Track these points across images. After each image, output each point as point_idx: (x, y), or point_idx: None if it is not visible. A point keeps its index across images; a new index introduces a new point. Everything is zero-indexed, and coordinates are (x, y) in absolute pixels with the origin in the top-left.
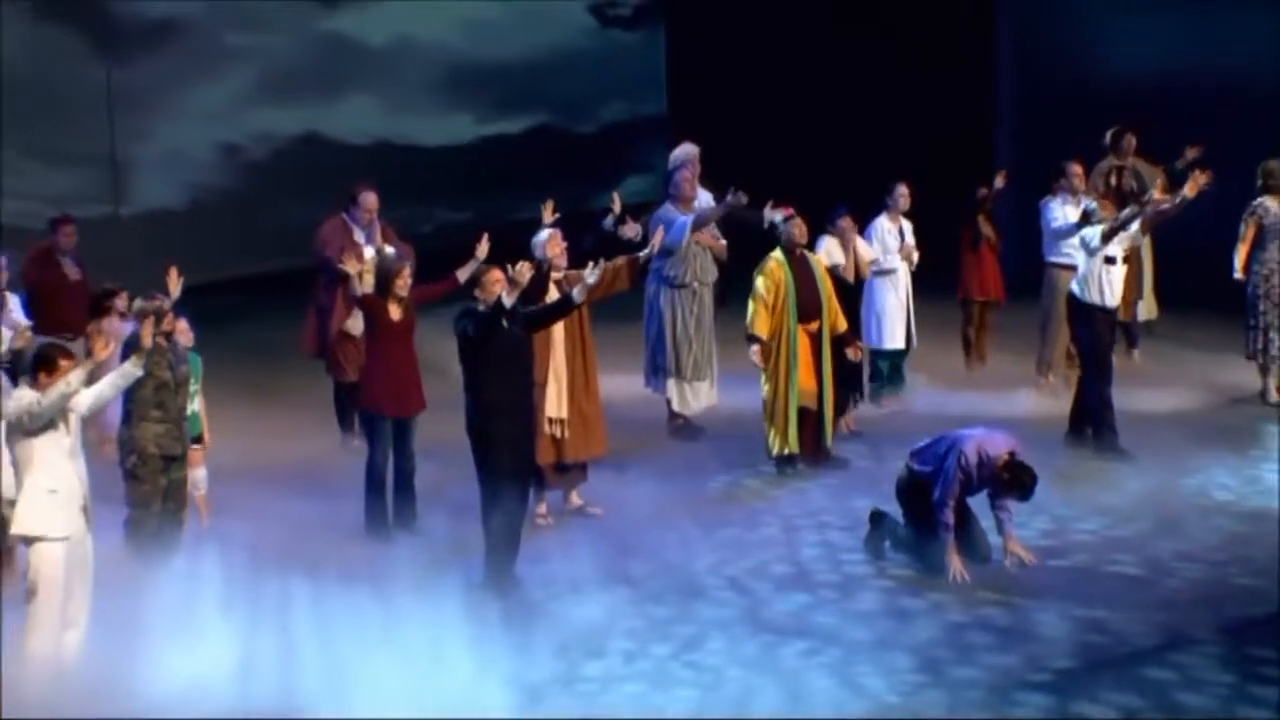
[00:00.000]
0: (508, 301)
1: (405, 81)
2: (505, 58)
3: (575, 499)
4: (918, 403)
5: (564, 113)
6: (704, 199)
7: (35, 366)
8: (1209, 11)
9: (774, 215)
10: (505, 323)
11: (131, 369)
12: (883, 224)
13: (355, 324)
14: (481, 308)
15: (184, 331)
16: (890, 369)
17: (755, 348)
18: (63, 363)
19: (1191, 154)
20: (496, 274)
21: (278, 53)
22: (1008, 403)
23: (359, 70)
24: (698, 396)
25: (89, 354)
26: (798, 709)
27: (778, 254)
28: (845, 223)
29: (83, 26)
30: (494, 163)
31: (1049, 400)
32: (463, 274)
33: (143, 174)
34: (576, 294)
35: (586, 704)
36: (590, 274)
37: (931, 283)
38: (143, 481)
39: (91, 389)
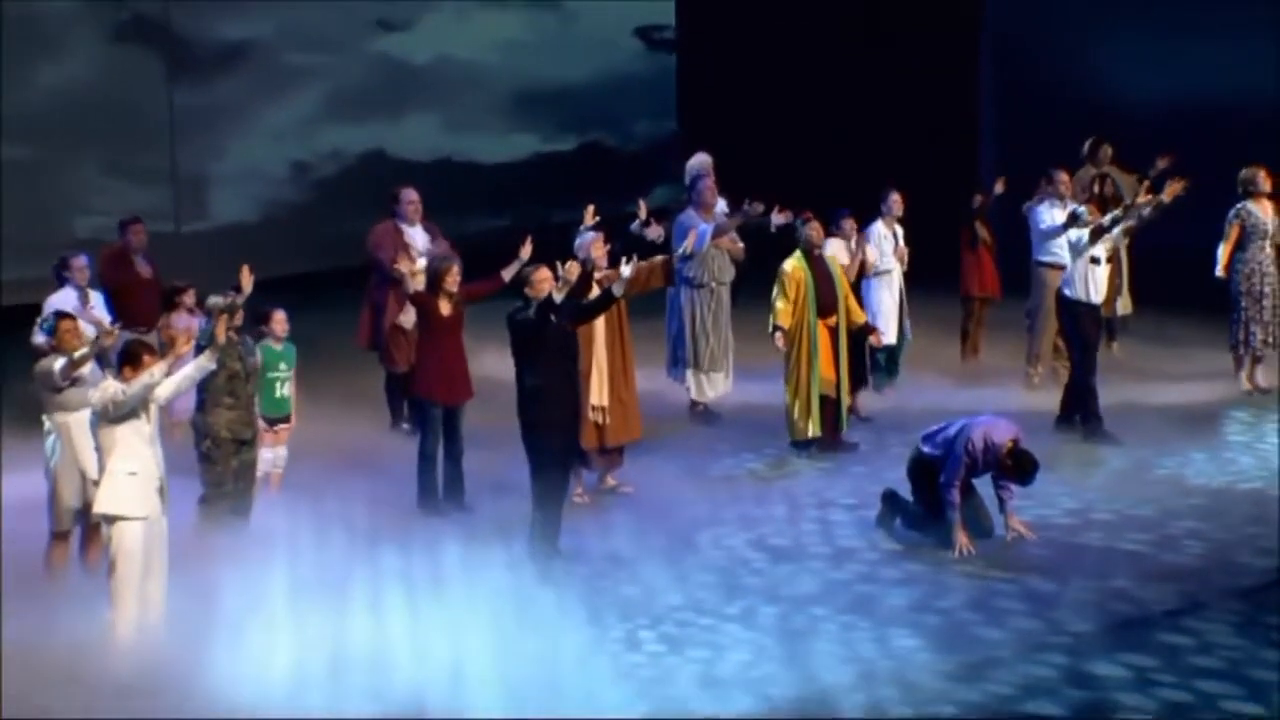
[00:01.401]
0: (557, 298)
1: (464, 102)
2: (558, 79)
3: (610, 479)
4: (917, 392)
5: (610, 129)
6: (720, 204)
7: (121, 360)
8: (1182, 29)
9: (780, 220)
10: (554, 317)
11: (206, 362)
12: (878, 228)
13: (407, 318)
14: (532, 304)
15: (280, 321)
16: (886, 360)
17: (778, 335)
18: (146, 358)
19: (1162, 163)
20: (546, 273)
21: (344, 74)
22: (1000, 392)
23: (421, 91)
24: (714, 386)
25: (160, 346)
26: (836, 666)
27: (797, 254)
28: (849, 225)
29: (159, 49)
30: (544, 176)
31: (1038, 390)
32: (507, 273)
33: (218, 190)
34: (616, 289)
35: (613, 661)
36: (627, 269)
37: (926, 281)
38: (216, 463)
39: (170, 380)
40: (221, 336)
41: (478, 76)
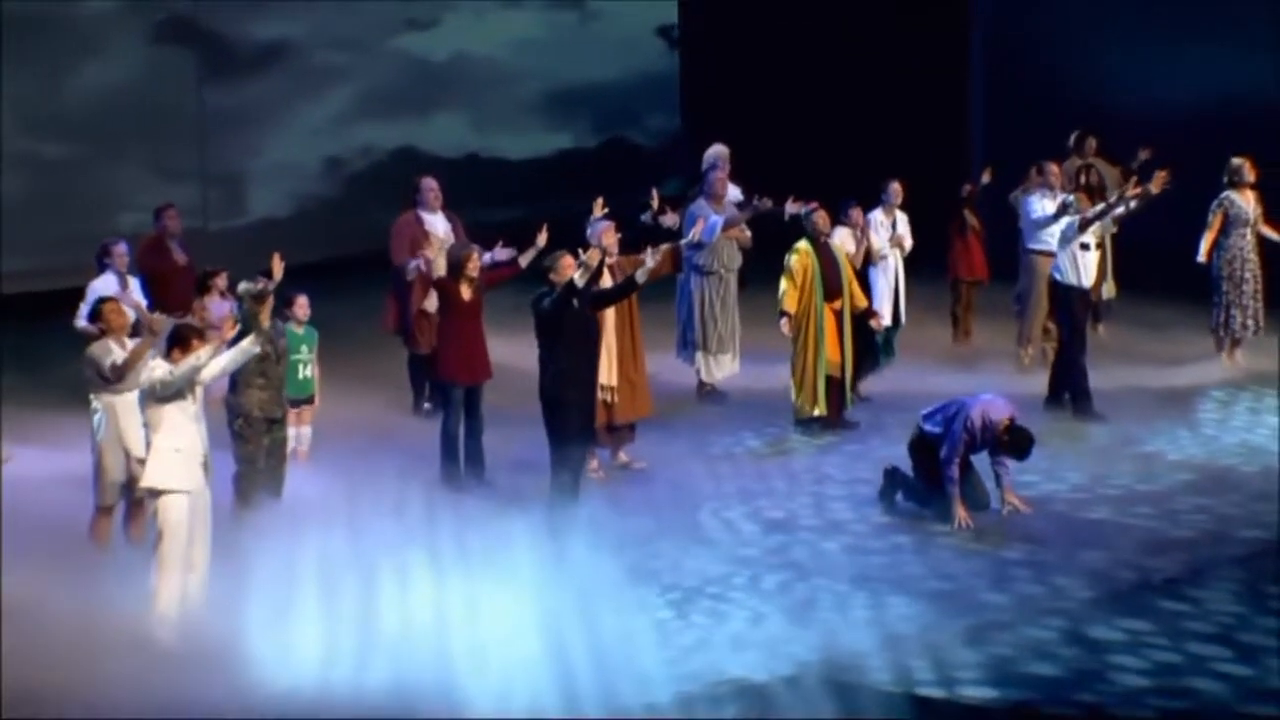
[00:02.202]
0: (579, 283)
1: (491, 100)
2: (582, 78)
3: (623, 456)
4: (911, 373)
5: (631, 125)
6: (733, 194)
7: (170, 343)
8: (1170, 25)
9: (794, 209)
10: (575, 302)
11: (250, 346)
12: (878, 217)
13: (431, 302)
14: (555, 289)
15: (302, 306)
16: (883, 343)
17: (784, 321)
18: (195, 341)
19: (1144, 154)
20: (568, 260)
21: (375, 73)
22: (991, 372)
23: (449, 89)
24: (721, 367)
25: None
26: (847, 630)
27: (804, 242)
28: (855, 214)
29: (195, 50)
30: (568, 170)
31: (1028, 371)
32: (524, 259)
33: (253, 186)
34: (639, 275)
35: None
36: (650, 258)
37: (917, 267)
38: (248, 441)
39: (216, 362)
40: (265, 321)
41: (504, 75)
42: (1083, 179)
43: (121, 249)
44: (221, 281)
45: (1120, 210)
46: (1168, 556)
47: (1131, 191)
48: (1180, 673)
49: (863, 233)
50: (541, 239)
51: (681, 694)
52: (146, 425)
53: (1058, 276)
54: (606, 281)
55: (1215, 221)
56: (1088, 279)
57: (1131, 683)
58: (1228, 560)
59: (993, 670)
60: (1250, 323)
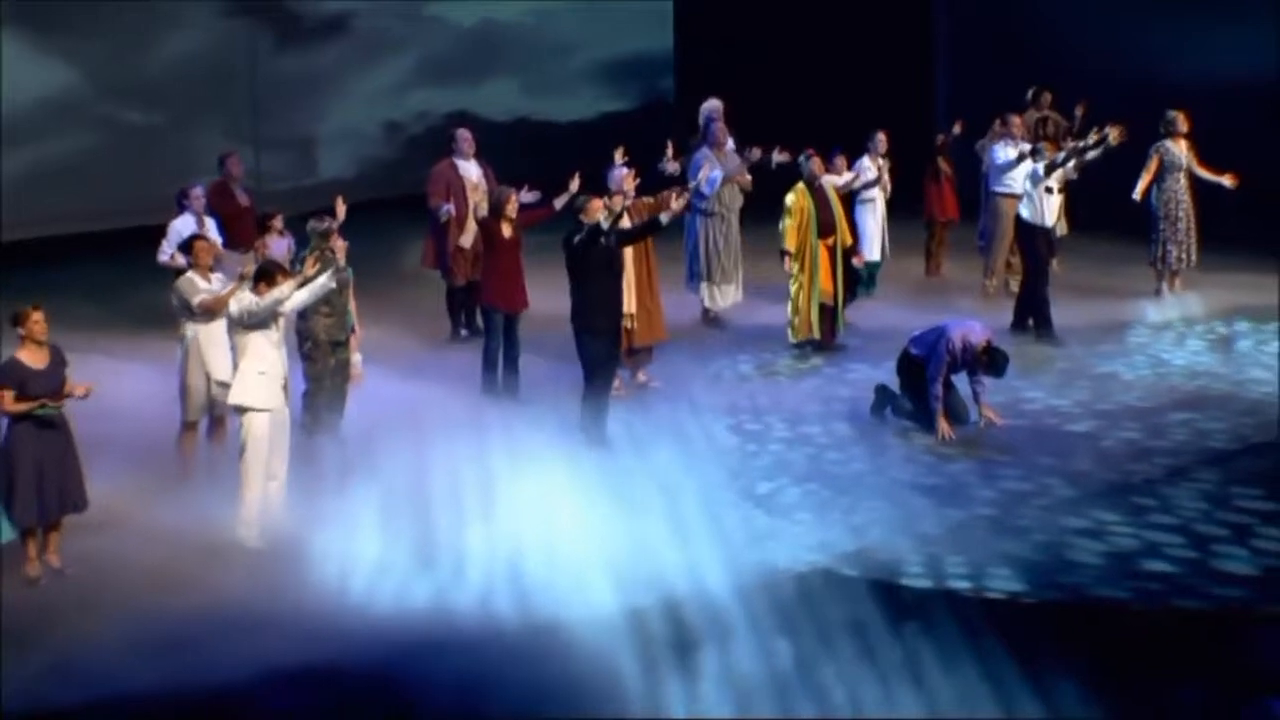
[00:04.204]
0: (605, 223)
1: (540, 67)
2: (627, 48)
3: (641, 376)
4: (891, 303)
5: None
6: (729, 143)
7: (257, 278)
8: None
9: (780, 158)
10: (603, 240)
11: (327, 281)
12: (864, 163)
13: (466, 239)
14: (584, 228)
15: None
16: (866, 275)
17: (786, 260)
18: (279, 276)
19: (1080, 110)
20: (597, 202)
21: (432, 42)
22: (960, 302)
23: (501, 57)
24: (725, 296)
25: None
26: (859, 526)
27: (801, 185)
28: (840, 161)
29: (266, 22)
30: (610, 131)
31: (992, 299)
32: (559, 202)
33: (321, 149)
34: (664, 218)
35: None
36: (677, 202)
37: (893, 208)
38: (315, 362)
39: (298, 295)
40: (342, 257)
41: (553, 44)
42: (1042, 130)
43: (198, 191)
44: (279, 222)
45: (1087, 158)
46: (1148, 462)
47: (1093, 139)
48: (1136, 556)
49: (849, 176)
50: (574, 185)
51: (739, 584)
52: (234, 350)
53: (1025, 215)
54: (626, 223)
55: (1151, 166)
56: (1050, 219)
57: (1089, 561)
58: (1202, 464)
59: (969, 543)
60: (1184, 256)
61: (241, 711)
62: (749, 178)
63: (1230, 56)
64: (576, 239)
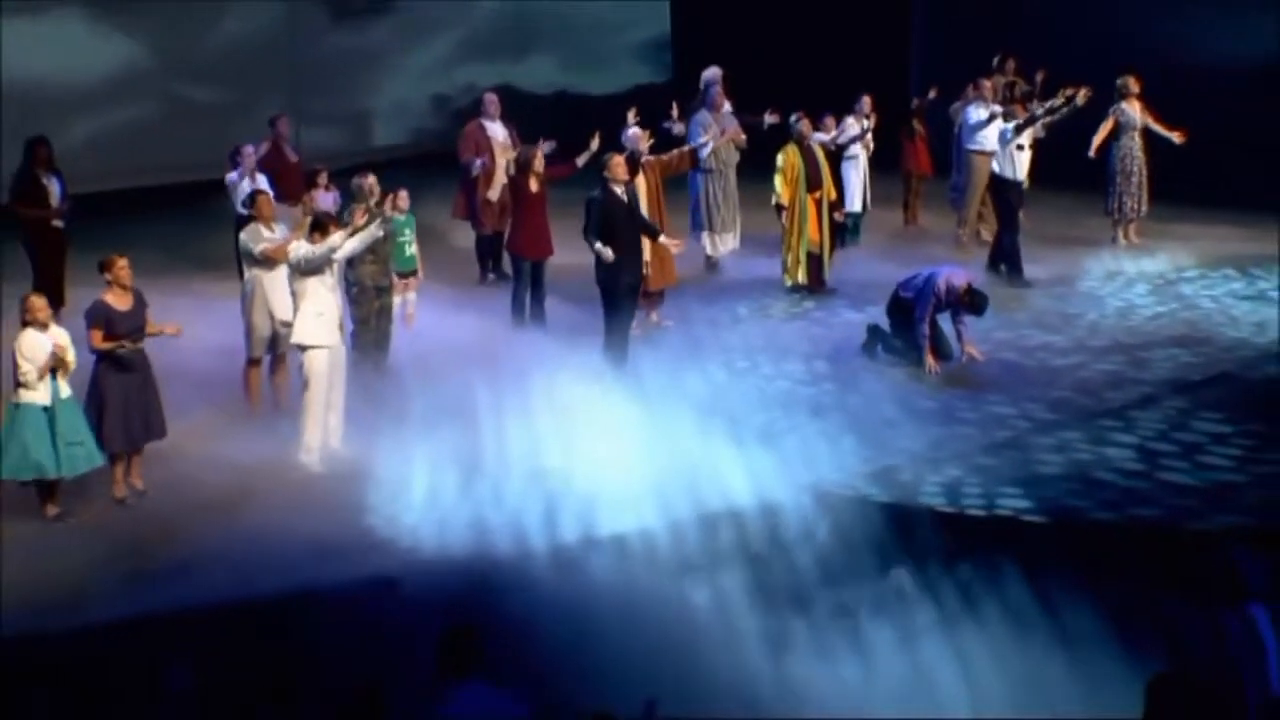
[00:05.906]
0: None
1: (579, 44)
2: (658, 29)
3: (654, 316)
4: (872, 251)
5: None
6: (726, 105)
7: (313, 228)
8: None
9: (771, 119)
10: (623, 193)
11: (376, 230)
12: (849, 122)
13: (493, 192)
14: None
15: (403, 199)
16: (851, 225)
17: (782, 213)
18: (332, 228)
19: (1040, 77)
20: (619, 159)
21: (476, 21)
22: (935, 250)
23: (541, 35)
24: (725, 244)
25: (304, 214)
26: (863, 446)
27: (791, 145)
28: (829, 121)
29: (319, 1)
30: (643, 103)
31: (965, 248)
32: (581, 160)
33: (377, 122)
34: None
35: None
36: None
37: (874, 165)
38: (361, 305)
39: (349, 243)
40: (390, 210)
41: (591, 22)
42: (1010, 93)
43: (249, 150)
44: (324, 178)
45: (1056, 117)
46: (1122, 391)
47: (1060, 101)
48: (1087, 467)
49: (834, 134)
50: (595, 143)
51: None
52: (294, 294)
53: (997, 170)
54: (640, 179)
55: (1108, 125)
56: (1022, 173)
57: (1047, 472)
58: (1174, 392)
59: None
60: (1137, 206)
61: (304, 619)
62: (744, 136)
63: (1192, 27)
64: (599, 195)
